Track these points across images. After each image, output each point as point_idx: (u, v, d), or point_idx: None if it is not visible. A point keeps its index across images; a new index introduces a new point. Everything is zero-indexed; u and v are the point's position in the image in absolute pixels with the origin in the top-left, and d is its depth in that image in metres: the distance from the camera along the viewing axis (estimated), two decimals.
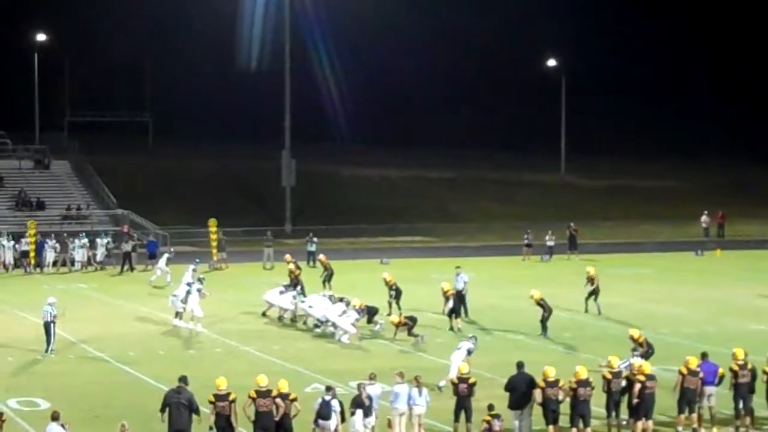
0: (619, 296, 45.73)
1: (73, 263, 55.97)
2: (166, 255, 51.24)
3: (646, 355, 28.83)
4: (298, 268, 43.91)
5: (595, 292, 41.15)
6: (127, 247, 55.62)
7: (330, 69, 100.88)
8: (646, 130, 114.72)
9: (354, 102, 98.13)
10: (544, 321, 36.34)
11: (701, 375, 24.76)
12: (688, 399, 24.57)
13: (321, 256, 48.44)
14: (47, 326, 33.59)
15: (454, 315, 37.92)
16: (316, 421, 22.77)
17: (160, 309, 41.89)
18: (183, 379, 22.95)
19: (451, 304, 38.03)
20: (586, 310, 41.11)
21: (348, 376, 28.84)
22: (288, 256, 46.48)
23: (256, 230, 65.32)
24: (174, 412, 22.40)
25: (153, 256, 56.45)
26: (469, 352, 28.63)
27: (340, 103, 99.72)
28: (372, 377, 24.07)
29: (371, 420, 23.21)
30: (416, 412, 23.77)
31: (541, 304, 36.45)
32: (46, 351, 33.42)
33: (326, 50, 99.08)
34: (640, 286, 47.71)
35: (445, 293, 38.49)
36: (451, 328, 37.41)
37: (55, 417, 21.38)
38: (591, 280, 41.37)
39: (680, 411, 24.61)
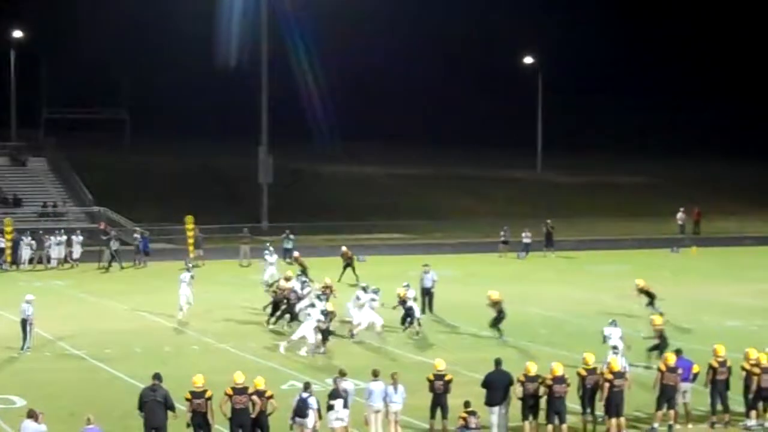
0: (596, 293, 45.94)
1: (49, 260, 55.77)
2: (267, 252, 48.13)
3: (657, 347, 28.74)
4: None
5: (651, 302, 38.53)
6: (115, 245, 55.28)
7: (308, 66, 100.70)
8: (623, 127, 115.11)
9: (332, 99, 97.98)
10: (495, 323, 35.09)
11: (680, 372, 24.85)
12: (667, 396, 24.64)
13: (295, 254, 48.33)
14: (24, 323, 33.51)
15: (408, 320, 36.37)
16: (293, 418, 22.75)
17: (137, 306, 41.89)
18: (157, 377, 22.88)
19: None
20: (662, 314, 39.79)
21: (324, 373, 28.85)
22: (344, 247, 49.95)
23: (233, 227, 65.18)
24: (150, 410, 22.37)
25: (147, 253, 56.44)
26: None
27: (319, 100, 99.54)
28: (342, 374, 23.95)
29: (346, 412, 23.14)
30: (393, 409, 23.76)
31: (497, 306, 35.17)
32: (23, 348, 33.32)
33: (305, 47, 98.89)
34: (617, 283, 47.75)
35: (400, 298, 36.91)
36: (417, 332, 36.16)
37: (31, 414, 21.32)
38: (646, 293, 38.71)
39: (658, 407, 24.63)
